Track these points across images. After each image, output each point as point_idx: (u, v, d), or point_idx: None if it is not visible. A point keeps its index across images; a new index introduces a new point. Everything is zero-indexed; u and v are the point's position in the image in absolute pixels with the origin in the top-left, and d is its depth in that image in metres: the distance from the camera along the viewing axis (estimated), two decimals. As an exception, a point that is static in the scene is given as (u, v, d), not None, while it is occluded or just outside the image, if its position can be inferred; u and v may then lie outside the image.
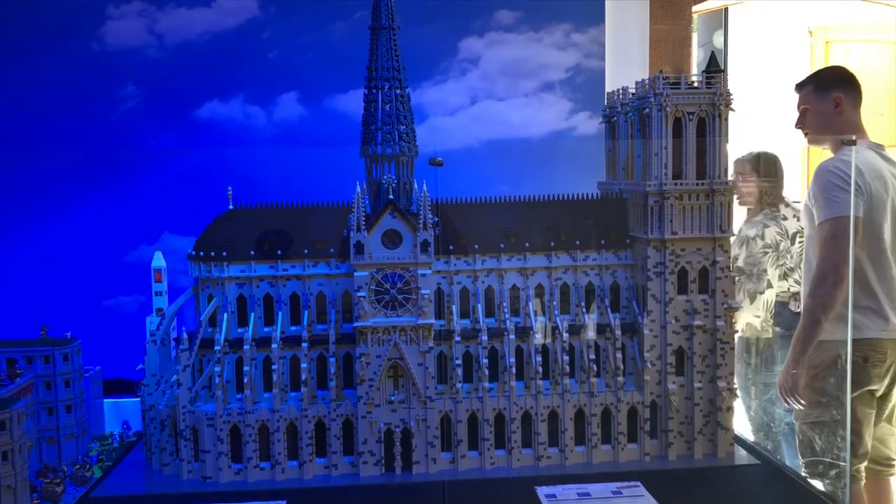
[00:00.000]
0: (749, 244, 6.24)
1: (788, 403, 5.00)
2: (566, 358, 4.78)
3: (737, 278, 6.10)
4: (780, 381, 4.97)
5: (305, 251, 4.84)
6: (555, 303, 4.96)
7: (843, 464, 4.95)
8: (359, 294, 4.60)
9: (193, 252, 4.89)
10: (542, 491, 4.38)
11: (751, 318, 6.33)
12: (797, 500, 4.34)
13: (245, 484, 4.59)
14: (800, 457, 5.13)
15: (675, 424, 4.85)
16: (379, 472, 4.67)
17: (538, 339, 4.81)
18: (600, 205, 5.23)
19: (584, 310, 4.96)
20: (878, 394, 4.96)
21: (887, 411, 5.05)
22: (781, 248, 6.22)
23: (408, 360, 4.62)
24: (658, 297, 4.85)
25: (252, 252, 4.83)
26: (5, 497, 3.93)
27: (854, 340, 4.80)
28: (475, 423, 4.75)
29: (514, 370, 4.75)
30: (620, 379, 4.82)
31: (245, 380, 4.61)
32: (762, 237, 6.24)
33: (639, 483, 4.44)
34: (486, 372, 4.73)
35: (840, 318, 4.77)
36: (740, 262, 6.20)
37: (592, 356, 4.82)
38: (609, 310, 4.95)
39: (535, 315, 4.91)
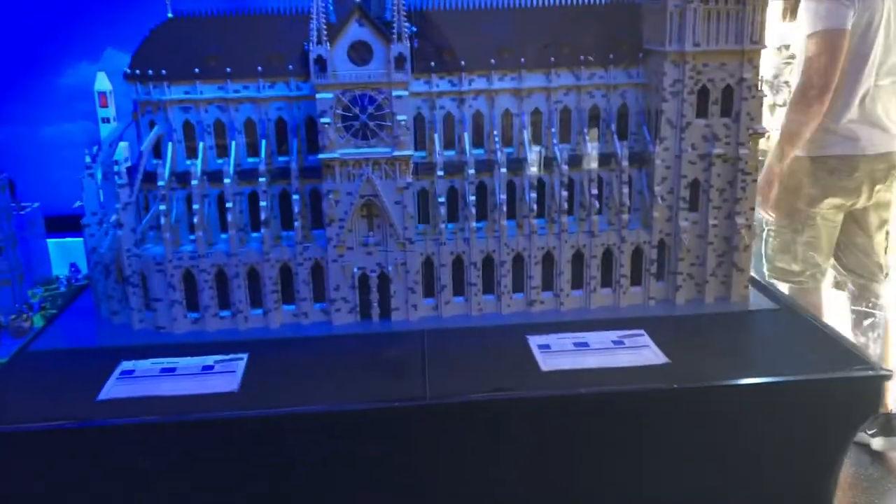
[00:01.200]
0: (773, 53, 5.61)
1: (764, 213, 5.27)
2: (564, 193, 4.18)
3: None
4: (758, 188, 4.90)
5: (259, 68, 4.09)
6: (553, 130, 4.30)
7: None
8: (322, 120, 3.91)
9: (129, 70, 4.16)
10: (534, 341, 3.92)
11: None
12: (817, 345, 3.87)
13: (204, 334, 4.12)
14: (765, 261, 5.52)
15: (684, 266, 4.34)
16: (354, 320, 4.20)
17: (533, 172, 4.18)
18: (610, 12, 4.39)
19: (586, 138, 4.30)
20: (855, 207, 5.20)
21: (869, 225, 5.31)
22: None
23: (383, 198, 4.02)
24: (674, 121, 4.18)
25: (197, 70, 4.09)
26: (-82, 357, 3.47)
27: (822, 156, 5.07)
28: (461, 266, 4.22)
29: (504, 208, 4.15)
30: (625, 216, 4.24)
31: (195, 219, 4.03)
32: (787, 46, 5.58)
33: (642, 331, 3.97)
34: (474, 210, 4.13)
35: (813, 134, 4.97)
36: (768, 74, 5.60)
37: (594, 191, 4.22)
38: (616, 137, 4.29)
39: (531, 145, 4.25)
